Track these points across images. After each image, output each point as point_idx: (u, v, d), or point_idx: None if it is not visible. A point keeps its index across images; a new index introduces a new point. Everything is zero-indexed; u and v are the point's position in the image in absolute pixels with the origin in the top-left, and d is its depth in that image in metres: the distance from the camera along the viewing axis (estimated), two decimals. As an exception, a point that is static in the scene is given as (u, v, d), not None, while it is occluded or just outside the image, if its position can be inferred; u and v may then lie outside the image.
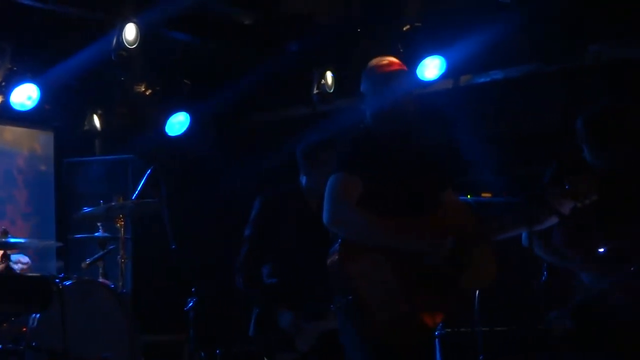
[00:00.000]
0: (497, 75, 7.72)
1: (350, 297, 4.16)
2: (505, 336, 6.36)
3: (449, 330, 6.40)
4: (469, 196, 6.21)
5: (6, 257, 6.39)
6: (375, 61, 4.57)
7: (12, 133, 9.24)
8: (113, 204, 6.99)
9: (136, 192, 7.09)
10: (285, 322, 5.46)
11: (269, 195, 5.79)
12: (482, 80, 7.82)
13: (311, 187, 5.57)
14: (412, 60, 7.62)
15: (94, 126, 8.94)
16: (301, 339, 5.44)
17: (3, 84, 8.06)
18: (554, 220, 4.76)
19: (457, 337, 6.43)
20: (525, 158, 7.12)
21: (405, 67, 4.56)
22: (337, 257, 4.20)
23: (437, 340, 6.21)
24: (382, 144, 4.39)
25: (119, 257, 7.06)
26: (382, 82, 4.45)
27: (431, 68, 7.67)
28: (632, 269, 4.98)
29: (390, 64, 4.52)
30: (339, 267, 4.19)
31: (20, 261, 7.02)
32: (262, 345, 5.63)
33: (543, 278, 5.34)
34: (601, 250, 5.03)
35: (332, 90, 8.21)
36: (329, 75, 8.21)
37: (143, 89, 8.87)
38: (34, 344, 5.95)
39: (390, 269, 4.14)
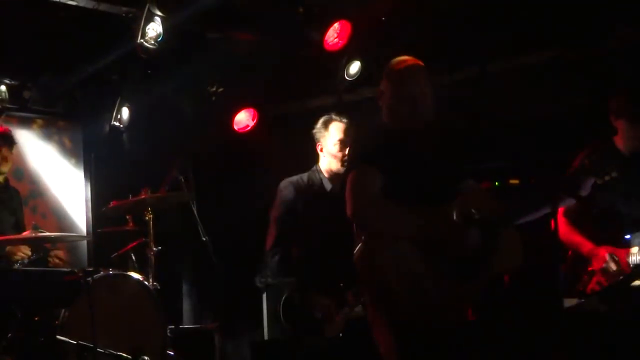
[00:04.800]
0: (522, 61, 7.66)
1: (380, 288, 4.17)
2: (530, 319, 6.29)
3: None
4: (496, 183, 6.19)
5: (43, 249, 6.49)
6: (393, 61, 4.57)
7: (41, 127, 9.32)
8: (142, 197, 7.02)
9: (165, 185, 7.14)
10: (318, 309, 5.53)
11: (290, 180, 6.00)
12: (506, 65, 7.76)
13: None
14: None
15: (122, 119, 8.99)
16: (331, 326, 5.50)
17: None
18: (570, 201, 4.76)
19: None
20: (552, 143, 7.08)
21: (420, 63, 4.53)
22: (364, 249, 4.21)
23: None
24: (399, 137, 4.39)
25: (148, 249, 7.10)
26: (398, 82, 4.46)
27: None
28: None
29: (405, 62, 4.52)
30: (367, 259, 4.19)
31: (57, 255, 7.09)
32: (290, 330, 5.69)
33: (566, 263, 5.35)
34: (627, 236, 5.02)
35: (355, 79, 8.21)
36: (354, 65, 8.21)
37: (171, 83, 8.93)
38: (64, 337, 6.00)
39: (418, 259, 4.14)
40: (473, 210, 4.20)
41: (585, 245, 5.28)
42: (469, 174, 4.53)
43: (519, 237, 4.42)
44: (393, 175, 4.26)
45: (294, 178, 6.00)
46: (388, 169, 4.26)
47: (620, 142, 5.39)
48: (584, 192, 4.61)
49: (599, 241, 5.26)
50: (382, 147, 4.35)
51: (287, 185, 5.96)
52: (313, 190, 5.87)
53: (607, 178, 4.41)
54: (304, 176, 5.99)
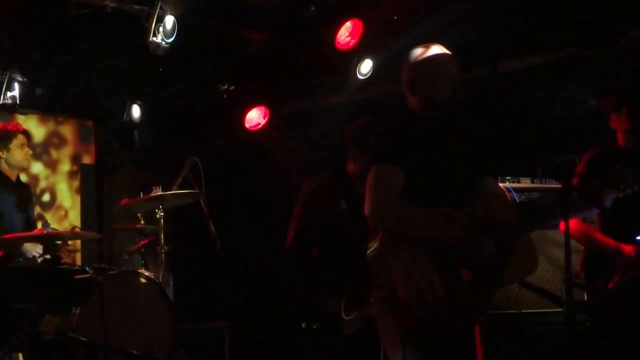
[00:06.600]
0: (533, 60, 7.64)
1: (390, 290, 4.15)
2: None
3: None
4: (507, 183, 6.18)
5: (54, 246, 6.53)
6: (418, 49, 4.43)
7: (53, 123, 9.34)
8: (153, 194, 7.03)
9: (176, 183, 7.14)
10: (331, 308, 5.52)
11: (315, 178, 5.84)
12: (518, 65, 7.74)
13: (358, 171, 5.58)
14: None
15: (134, 117, 9.01)
16: (346, 324, 5.47)
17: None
18: (593, 210, 4.73)
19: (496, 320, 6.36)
20: (562, 144, 7.07)
21: (449, 52, 4.43)
22: (377, 250, 4.19)
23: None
24: (423, 132, 4.31)
25: (159, 247, 7.10)
26: (436, 63, 4.34)
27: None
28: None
29: (435, 49, 4.40)
30: (379, 261, 4.17)
31: (69, 253, 7.12)
32: (307, 329, 5.68)
33: (582, 264, 5.32)
34: (639, 237, 4.99)
35: (367, 77, 8.19)
36: (365, 63, 8.19)
37: (183, 81, 8.94)
38: (75, 334, 6.02)
39: (431, 263, 4.10)
40: (490, 219, 4.18)
41: (608, 242, 5.18)
42: (489, 171, 4.48)
43: (534, 243, 4.38)
44: (415, 173, 4.19)
45: (319, 176, 5.89)
46: (410, 166, 4.19)
47: (620, 139, 5.35)
48: (607, 205, 4.56)
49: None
50: (403, 144, 4.25)
51: (308, 183, 5.88)
52: (335, 189, 5.77)
53: (629, 191, 4.39)
54: (330, 175, 5.86)
